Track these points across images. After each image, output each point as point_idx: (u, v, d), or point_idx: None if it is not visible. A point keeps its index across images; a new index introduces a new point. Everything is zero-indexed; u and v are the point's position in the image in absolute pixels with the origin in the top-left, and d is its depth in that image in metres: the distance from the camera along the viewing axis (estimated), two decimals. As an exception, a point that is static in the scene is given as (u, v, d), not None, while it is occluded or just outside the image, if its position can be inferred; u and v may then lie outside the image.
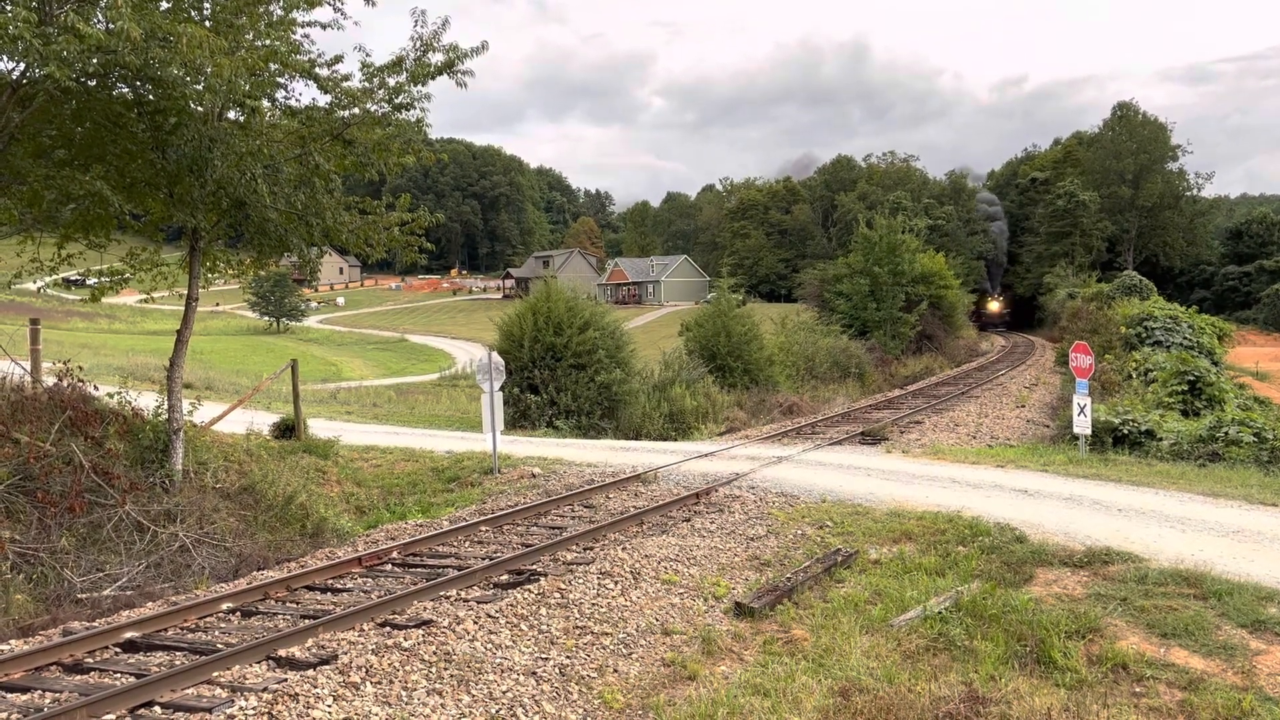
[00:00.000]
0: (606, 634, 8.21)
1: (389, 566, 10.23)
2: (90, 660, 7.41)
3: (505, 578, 9.55)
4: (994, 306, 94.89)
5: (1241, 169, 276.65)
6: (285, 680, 6.75)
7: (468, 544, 11.18)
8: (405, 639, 7.54)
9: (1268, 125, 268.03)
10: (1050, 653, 7.55)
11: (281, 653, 7.35)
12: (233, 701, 6.40)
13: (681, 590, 9.45)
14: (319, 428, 18.84)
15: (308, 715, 6.26)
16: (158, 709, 6.44)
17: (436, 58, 12.22)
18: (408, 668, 7.08)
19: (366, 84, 12.21)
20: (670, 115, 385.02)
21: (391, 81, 12.22)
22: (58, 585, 9.43)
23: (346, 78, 12.19)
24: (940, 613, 8.42)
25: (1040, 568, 9.92)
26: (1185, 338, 36.27)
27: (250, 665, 7.15)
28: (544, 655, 7.67)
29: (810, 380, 35.50)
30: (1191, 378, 24.51)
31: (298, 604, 8.96)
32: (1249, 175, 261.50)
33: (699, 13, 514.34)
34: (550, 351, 24.60)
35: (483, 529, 11.76)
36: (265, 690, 6.55)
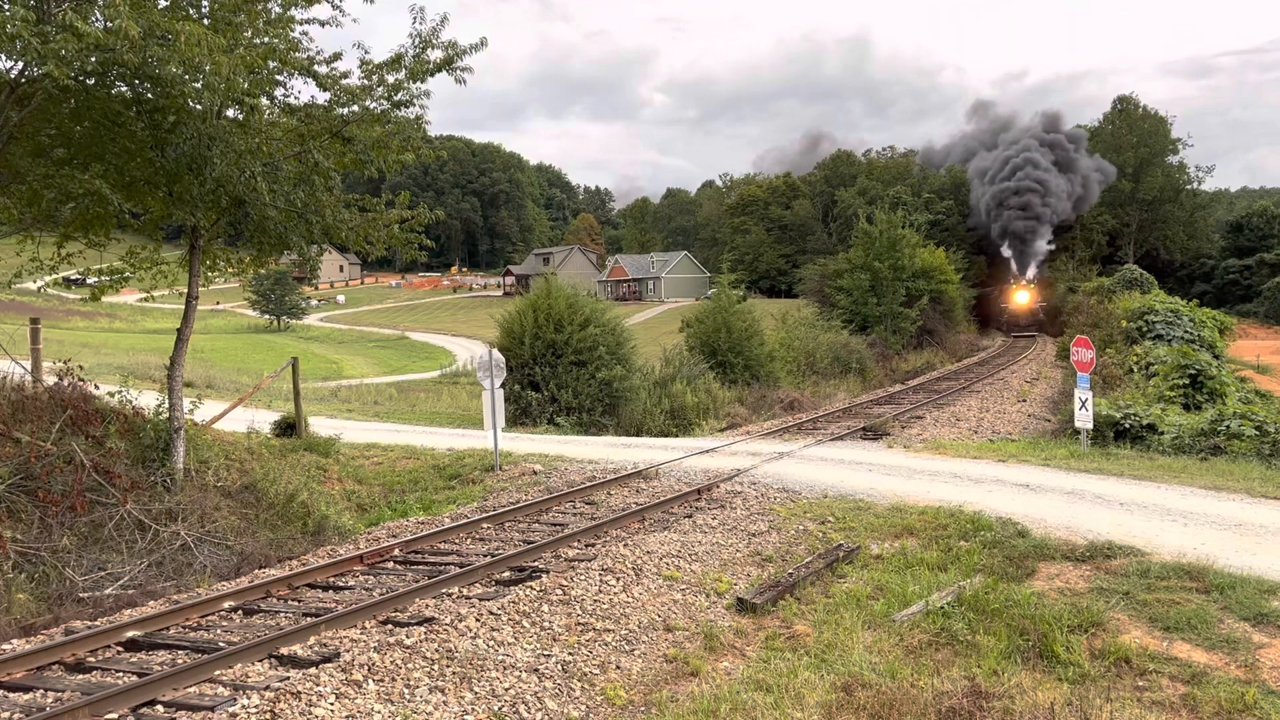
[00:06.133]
0: (609, 630, 8.21)
1: (391, 564, 10.22)
2: (92, 659, 7.42)
3: (507, 575, 9.55)
4: (1021, 301, 67.53)
5: (1242, 162, 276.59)
6: (288, 678, 6.75)
7: (469, 541, 11.18)
8: (407, 636, 7.54)
9: (1269, 119, 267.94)
10: (1053, 647, 7.56)
11: (284, 651, 7.35)
12: (235, 700, 6.40)
13: (683, 586, 9.45)
14: (320, 425, 18.83)
15: (310, 713, 6.26)
16: (160, 708, 6.44)
17: (435, 54, 12.20)
18: (410, 665, 7.08)
19: (365, 81, 12.19)
20: (672, 111, 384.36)
21: (390, 78, 12.20)
22: (59, 584, 9.43)
23: (345, 75, 12.17)
24: (943, 607, 8.42)
25: (1042, 562, 9.92)
26: (1186, 331, 36.27)
27: (252, 663, 7.15)
28: (546, 652, 7.67)
29: (811, 376, 35.50)
30: (1193, 371, 24.52)
31: (300, 602, 8.96)
32: (1249, 168, 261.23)
33: (702, 9, 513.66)
34: (551, 348, 24.59)
35: (484, 526, 11.75)
36: (268, 688, 6.55)
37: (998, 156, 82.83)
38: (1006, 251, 76.83)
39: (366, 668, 6.94)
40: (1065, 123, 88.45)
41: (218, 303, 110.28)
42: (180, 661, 7.27)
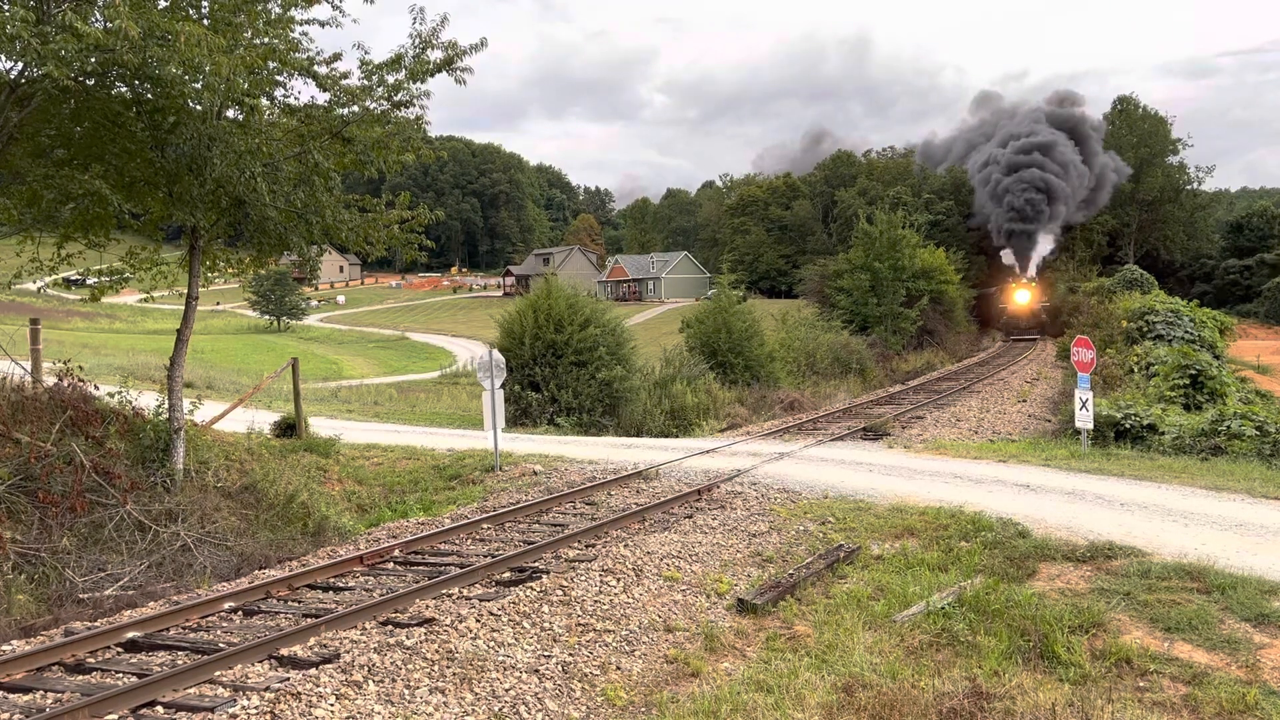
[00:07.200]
0: (609, 631, 8.20)
1: (391, 565, 10.22)
2: (92, 660, 7.41)
3: (507, 575, 9.54)
4: (1022, 301, 63.10)
5: (1242, 162, 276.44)
6: (288, 679, 6.74)
7: (470, 542, 11.17)
8: (408, 637, 7.53)
9: (1268, 119, 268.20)
10: (1054, 647, 7.55)
11: (284, 652, 7.34)
12: (235, 701, 6.39)
13: (684, 587, 9.44)
14: (320, 426, 18.83)
15: (310, 714, 6.25)
16: (160, 709, 6.44)
17: (435, 55, 12.20)
18: (410, 666, 7.07)
19: (365, 81, 12.19)
20: (672, 111, 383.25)
21: (390, 79, 12.20)
22: (59, 585, 9.42)
23: (345, 75, 12.17)
24: (943, 608, 8.41)
25: (1043, 562, 9.91)
26: (1187, 331, 36.29)
27: (253, 664, 7.14)
28: (547, 653, 7.66)
29: (811, 376, 35.51)
30: (1193, 371, 24.52)
31: (300, 603, 8.95)
32: (1249, 169, 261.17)
33: (702, 9, 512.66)
34: (551, 349, 24.59)
35: (484, 526, 11.74)
36: (268, 689, 6.54)
37: (1001, 134, 77.75)
38: (1006, 252, 72.71)
39: (366, 669, 6.94)
40: (1081, 105, 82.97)
41: (218, 303, 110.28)
42: (180, 662, 7.26)
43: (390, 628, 7.95)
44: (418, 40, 12.11)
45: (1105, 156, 78.08)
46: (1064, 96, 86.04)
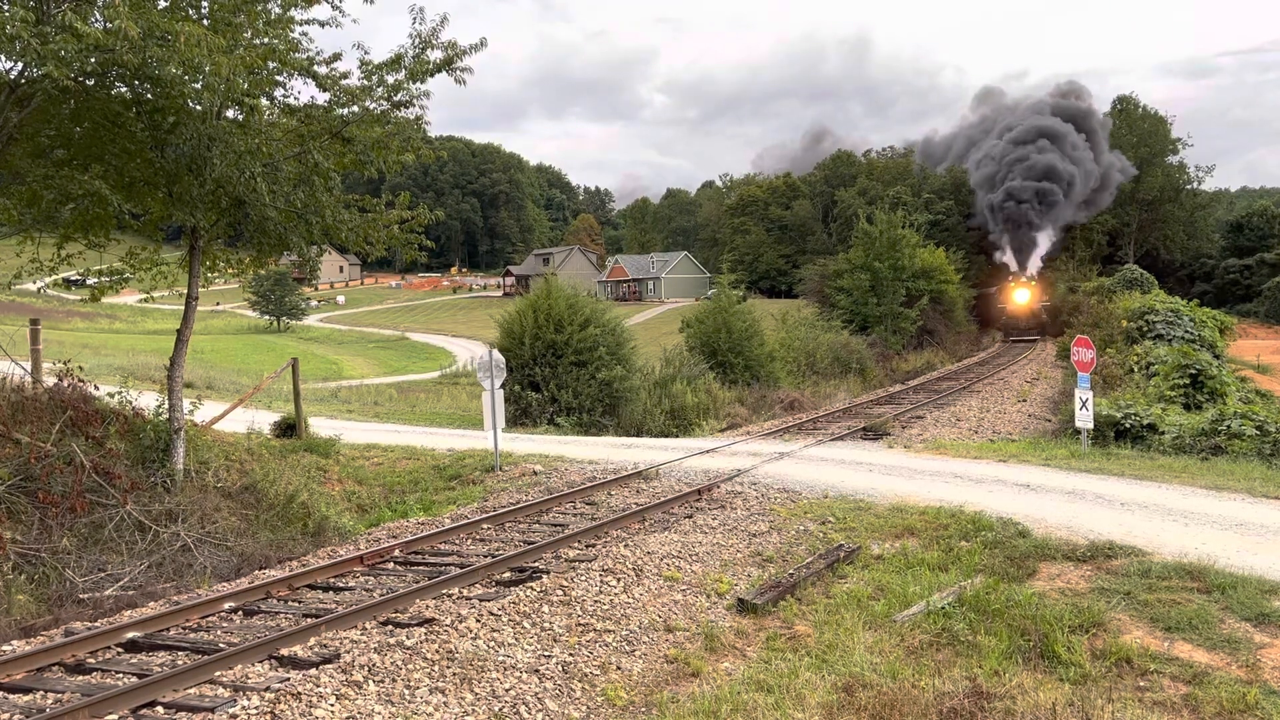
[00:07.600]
0: (609, 631, 8.20)
1: (391, 565, 10.22)
2: (92, 660, 7.41)
3: (507, 575, 9.54)
4: (1021, 300, 61.59)
5: (1242, 162, 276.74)
6: (288, 679, 6.74)
7: (470, 542, 11.17)
8: (408, 637, 7.53)
9: (1268, 119, 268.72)
10: (1054, 647, 7.54)
11: (284, 652, 7.34)
12: (235, 701, 6.39)
13: (684, 587, 9.44)
14: (320, 426, 18.82)
15: (310, 714, 6.25)
16: (160, 709, 6.43)
17: (435, 55, 12.21)
18: (410, 666, 7.07)
19: (365, 82, 12.20)
20: (672, 111, 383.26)
21: (390, 79, 12.21)
22: (59, 585, 9.42)
23: (345, 75, 12.18)
24: (944, 608, 8.41)
25: (1043, 562, 9.91)
26: (1187, 331, 36.28)
27: (253, 664, 7.14)
28: (547, 653, 7.66)
29: (811, 376, 35.52)
30: (1193, 371, 24.52)
31: (300, 603, 8.95)
32: (1249, 168, 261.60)
33: (702, 9, 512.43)
34: (551, 349, 24.60)
35: (485, 527, 11.74)
36: (268, 690, 6.54)
37: (1001, 128, 76.40)
38: (1003, 250, 71.41)
39: (367, 669, 6.94)
40: (1087, 99, 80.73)
41: (218, 303, 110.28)
42: (180, 662, 7.26)
43: (390, 628, 7.95)
44: (417, 40, 12.12)
45: (1111, 155, 77.38)
46: (1068, 89, 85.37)
